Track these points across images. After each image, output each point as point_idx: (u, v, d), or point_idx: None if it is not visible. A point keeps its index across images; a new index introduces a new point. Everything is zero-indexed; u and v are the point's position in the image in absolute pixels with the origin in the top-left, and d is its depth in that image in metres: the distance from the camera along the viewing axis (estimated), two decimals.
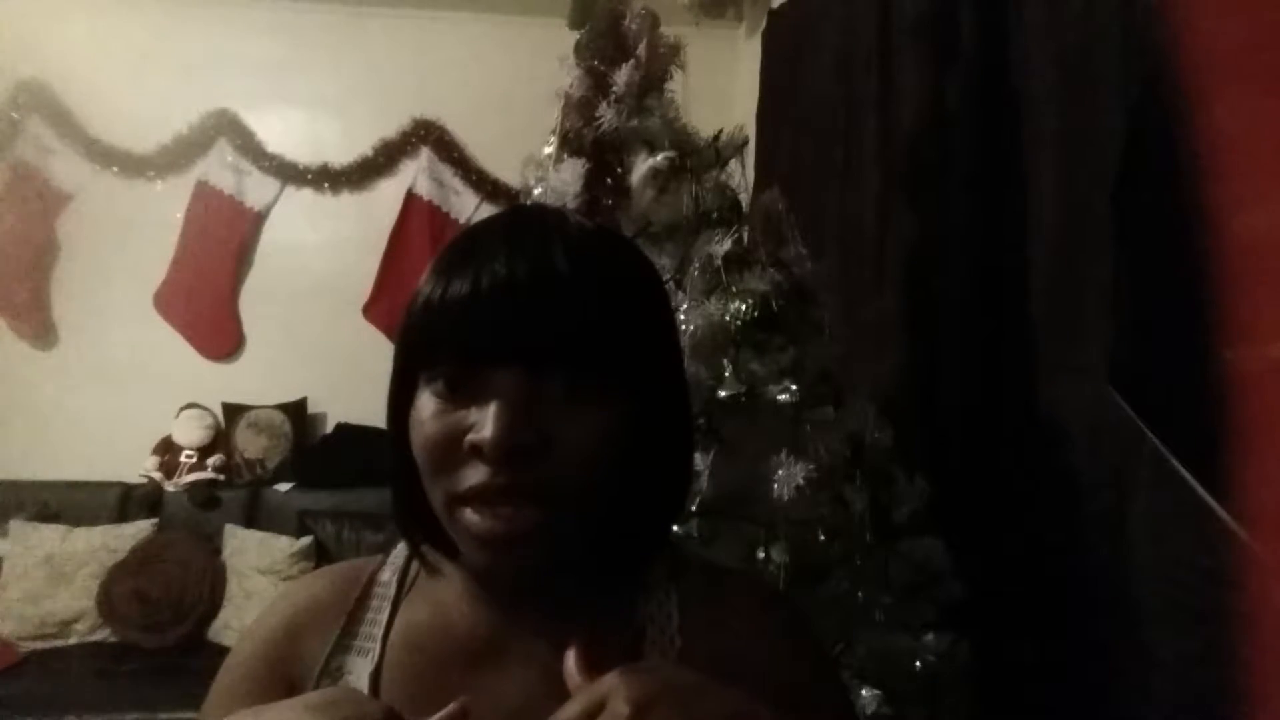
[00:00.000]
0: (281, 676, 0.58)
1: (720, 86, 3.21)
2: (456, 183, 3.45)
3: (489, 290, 0.50)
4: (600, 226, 0.61)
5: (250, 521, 3.01)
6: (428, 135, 3.43)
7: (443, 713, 0.46)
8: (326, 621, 0.60)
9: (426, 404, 0.52)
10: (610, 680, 0.42)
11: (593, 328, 0.51)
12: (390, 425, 0.56)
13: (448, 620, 0.59)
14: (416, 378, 0.53)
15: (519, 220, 0.57)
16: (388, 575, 0.63)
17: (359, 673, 0.58)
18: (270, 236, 3.42)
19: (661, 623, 0.59)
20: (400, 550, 0.65)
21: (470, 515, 0.50)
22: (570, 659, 0.46)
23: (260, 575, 2.82)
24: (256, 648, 0.61)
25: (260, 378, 3.32)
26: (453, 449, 0.50)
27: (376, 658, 0.58)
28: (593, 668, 0.45)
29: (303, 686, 0.58)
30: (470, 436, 0.49)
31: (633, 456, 0.53)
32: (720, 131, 1.54)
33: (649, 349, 0.56)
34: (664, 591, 0.60)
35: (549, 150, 1.55)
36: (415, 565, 0.63)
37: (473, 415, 0.50)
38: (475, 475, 0.49)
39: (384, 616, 0.60)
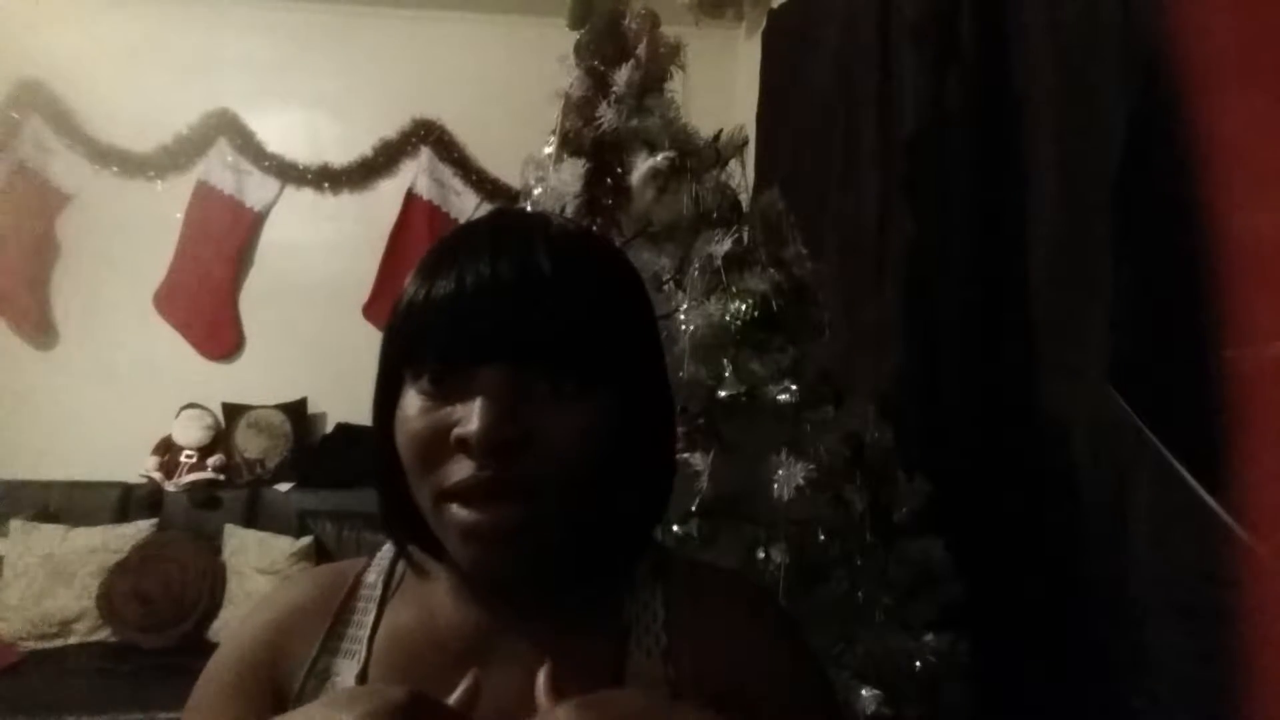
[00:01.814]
0: (266, 680, 0.58)
1: (720, 86, 3.21)
2: (456, 183, 3.45)
3: (474, 289, 0.51)
4: (584, 230, 0.61)
5: (250, 521, 3.01)
6: (428, 135, 3.43)
7: (459, 690, 0.46)
8: (312, 624, 0.60)
9: (412, 402, 0.52)
10: (560, 714, 0.42)
11: (577, 325, 0.52)
12: (376, 426, 0.56)
13: (434, 621, 0.59)
14: (401, 378, 0.54)
15: (503, 223, 0.58)
16: (373, 577, 0.63)
17: (345, 675, 0.58)
18: (270, 236, 3.42)
19: (647, 622, 0.59)
20: (385, 552, 0.65)
21: (456, 511, 0.50)
22: (539, 682, 0.46)
23: (260, 575, 2.82)
24: (241, 651, 0.60)
25: (260, 378, 3.32)
26: (438, 445, 0.51)
27: (363, 660, 0.58)
28: (565, 689, 0.45)
29: (288, 689, 0.58)
30: (456, 431, 0.50)
31: (616, 455, 0.54)
32: (720, 131, 1.55)
33: (632, 349, 0.56)
34: (650, 591, 0.60)
35: (549, 150, 1.55)
36: (401, 566, 0.63)
37: (458, 411, 0.50)
38: (461, 470, 0.50)
39: (370, 619, 0.60)
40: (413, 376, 0.53)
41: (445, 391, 0.51)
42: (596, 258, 0.57)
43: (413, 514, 0.54)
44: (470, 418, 0.49)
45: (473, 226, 0.58)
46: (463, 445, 0.49)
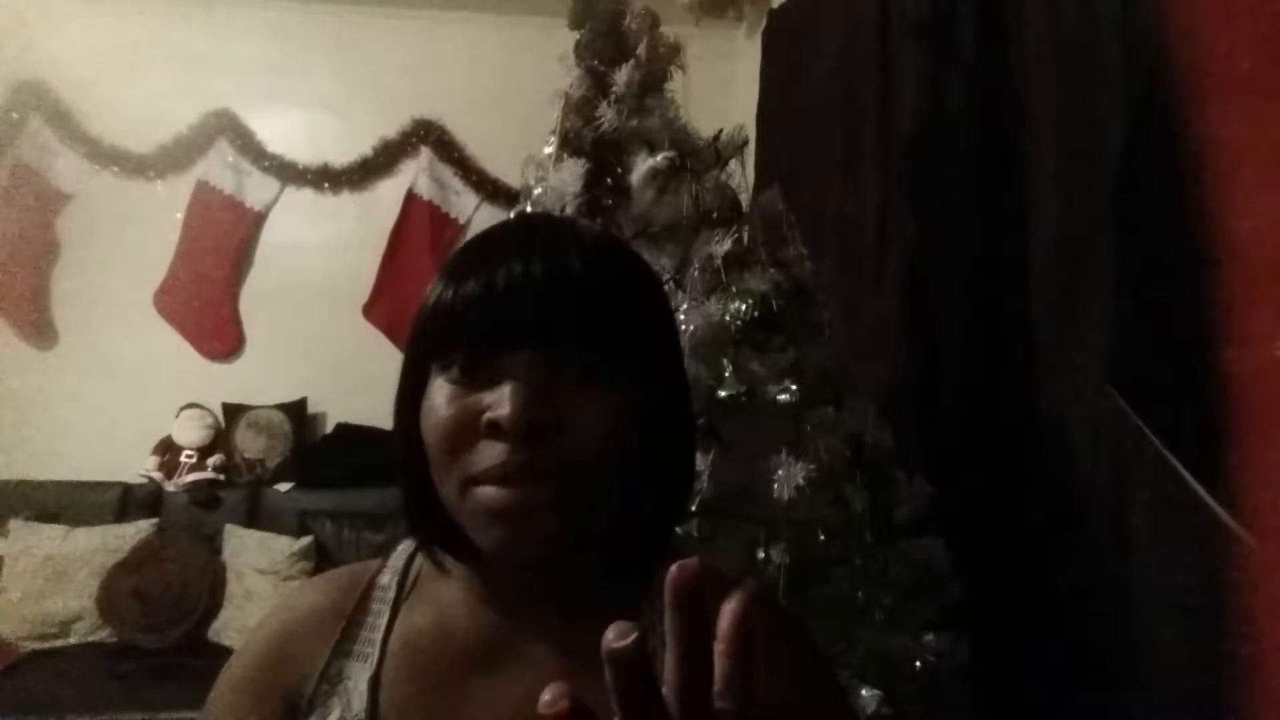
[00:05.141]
0: (280, 684, 0.58)
1: (720, 86, 3.21)
2: (456, 183, 3.45)
3: (505, 286, 0.51)
4: (607, 233, 0.62)
5: (250, 521, 3.01)
6: (428, 135, 3.43)
7: None
8: (325, 627, 0.60)
9: (440, 390, 0.53)
10: None
11: (606, 314, 0.53)
12: (398, 422, 0.57)
13: (448, 623, 0.59)
14: (427, 371, 0.54)
15: (531, 225, 0.59)
16: (387, 579, 0.63)
17: (358, 678, 0.58)
18: (270, 236, 3.42)
19: (663, 630, 0.59)
20: (400, 553, 0.65)
21: (484, 492, 0.50)
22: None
23: (260, 575, 2.82)
24: (255, 655, 0.60)
25: (260, 378, 3.32)
26: (468, 430, 0.51)
27: (376, 662, 0.58)
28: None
29: (301, 693, 0.58)
30: (488, 415, 0.50)
31: (639, 450, 0.54)
32: (720, 131, 1.54)
33: (656, 343, 0.57)
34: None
35: (549, 150, 1.55)
36: (415, 568, 0.63)
37: (488, 398, 0.51)
38: (492, 454, 0.50)
39: (383, 621, 0.60)
40: (440, 367, 0.53)
41: (475, 379, 0.52)
42: (623, 260, 0.59)
43: (435, 509, 0.55)
44: (502, 401, 0.49)
45: (499, 230, 0.58)
46: (494, 429, 0.50)
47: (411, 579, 0.63)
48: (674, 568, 0.30)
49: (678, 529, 1.29)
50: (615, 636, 0.30)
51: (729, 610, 0.31)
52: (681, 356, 0.62)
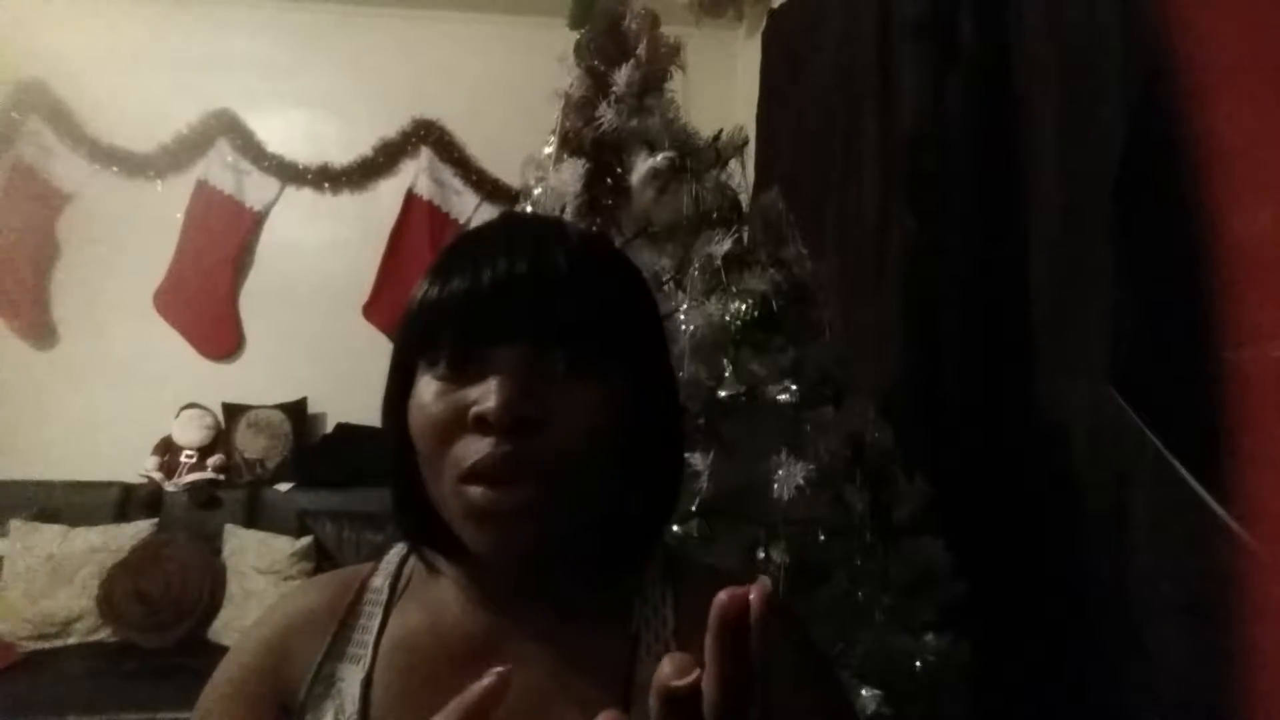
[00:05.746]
0: (272, 686, 0.58)
1: (720, 86, 3.21)
2: (456, 183, 3.46)
3: (491, 282, 0.52)
4: (594, 232, 0.62)
5: (250, 521, 3.01)
6: (428, 135, 3.43)
7: (485, 682, 0.38)
8: (318, 630, 0.60)
9: (427, 386, 0.53)
10: None
11: (591, 308, 0.53)
12: (387, 421, 0.57)
13: (441, 623, 0.59)
14: (414, 370, 0.54)
15: (517, 224, 0.60)
16: (379, 581, 0.63)
17: (350, 679, 0.57)
18: (270, 236, 3.42)
19: (656, 627, 0.59)
20: (393, 556, 0.65)
21: (471, 492, 0.51)
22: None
23: (260, 575, 2.82)
24: (247, 659, 0.60)
25: (260, 378, 3.32)
26: (455, 426, 0.51)
27: (368, 664, 0.58)
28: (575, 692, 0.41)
29: (294, 696, 0.58)
30: (474, 409, 0.50)
31: (627, 447, 0.54)
32: (720, 131, 1.54)
33: (642, 340, 0.58)
34: (660, 595, 0.60)
35: (549, 150, 1.55)
36: (408, 570, 0.63)
37: (474, 392, 0.51)
38: (479, 449, 0.50)
39: (375, 623, 0.60)
40: (427, 364, 0.53)
41: (462, 375, 0.52)
42: (607, 257, 0.59)
43: (425, 509, 0.55)
44: (488, 395, 0.50)
45: (484, 229, 0.59)
46: (480, 423, 0.50)
47: (404, 581, 0.63)
48: (726, 594, 0.29)
49: (675, 528, 1.29)
50: (674, 673, 0.29)
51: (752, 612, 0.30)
52: (669, 354, 0.62)
